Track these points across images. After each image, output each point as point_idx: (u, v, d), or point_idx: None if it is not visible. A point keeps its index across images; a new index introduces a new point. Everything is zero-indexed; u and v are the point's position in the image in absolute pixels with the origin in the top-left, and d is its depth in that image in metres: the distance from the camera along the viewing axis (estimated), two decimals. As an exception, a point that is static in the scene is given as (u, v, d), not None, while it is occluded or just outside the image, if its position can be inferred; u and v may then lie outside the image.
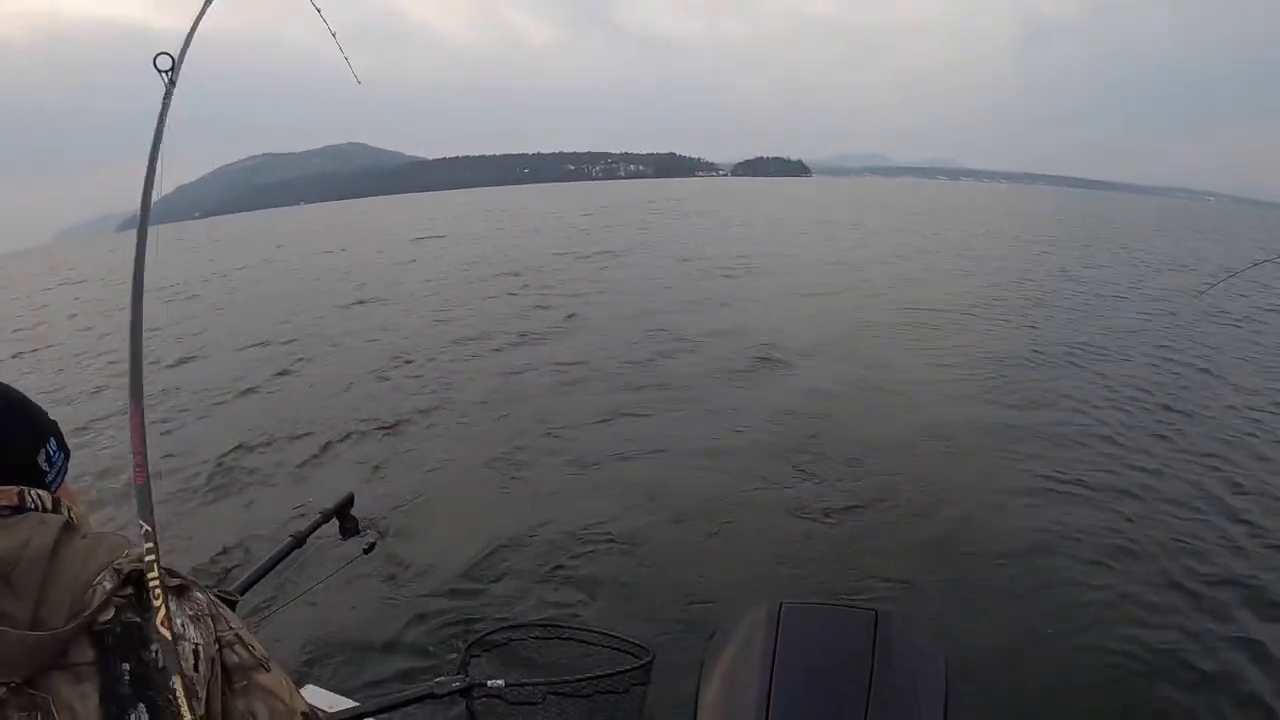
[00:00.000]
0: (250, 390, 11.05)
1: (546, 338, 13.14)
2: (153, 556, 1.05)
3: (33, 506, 1.10)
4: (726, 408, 8.88)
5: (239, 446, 8.34)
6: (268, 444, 8.45)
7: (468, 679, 1.99)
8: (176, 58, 1.70)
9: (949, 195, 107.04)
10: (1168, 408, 8.63)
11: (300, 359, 12.75)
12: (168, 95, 1.74)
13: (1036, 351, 11.38)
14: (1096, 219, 54.42)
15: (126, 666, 1.02)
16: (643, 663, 2.16)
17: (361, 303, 18.11)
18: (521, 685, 1.97)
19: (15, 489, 1.09)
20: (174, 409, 10.20)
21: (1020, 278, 19.62)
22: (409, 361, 11.95)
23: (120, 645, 1.03)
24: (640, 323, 13.80)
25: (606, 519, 6.12)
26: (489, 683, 1.96)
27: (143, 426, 1.34)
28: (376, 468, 7.56)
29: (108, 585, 1.03)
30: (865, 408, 8.81)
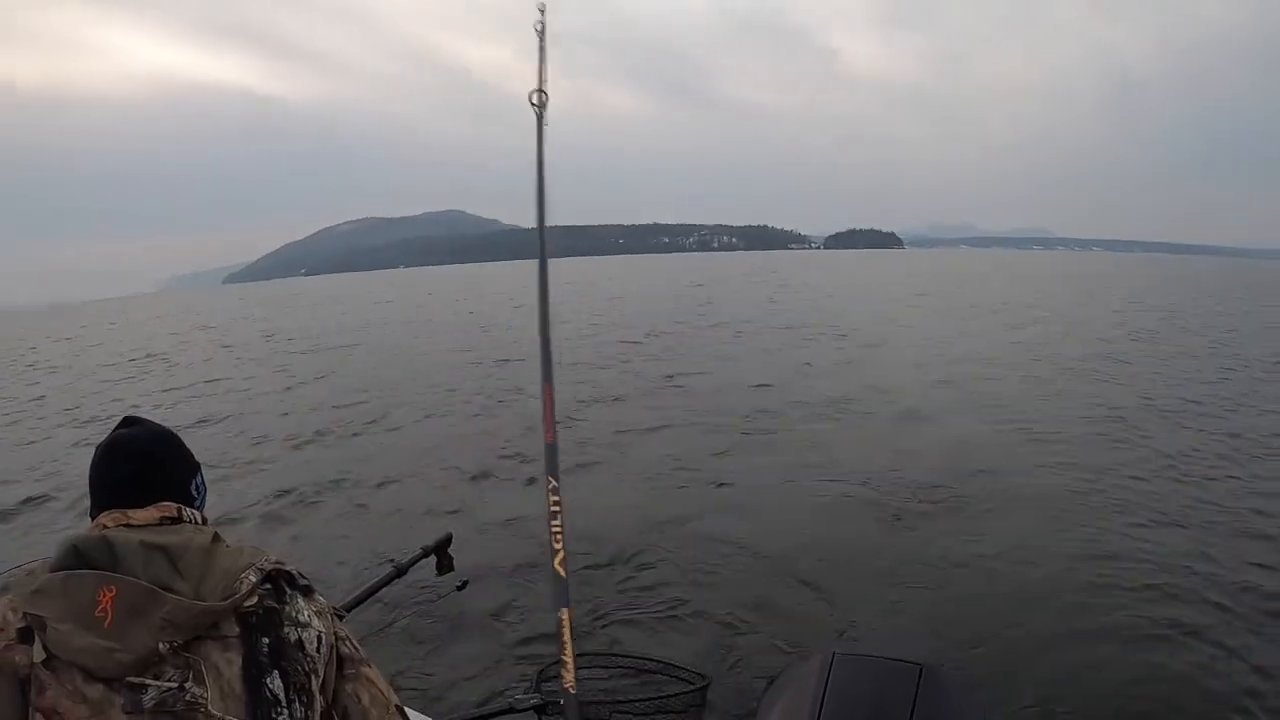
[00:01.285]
0: (393, 428, 12.19)
1: (654, 393, 14.05)
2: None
3: (188, 520, 1.40)
4: (852, 458, 9.09)
5: (354, 480, 9.15)
6: (381, 483, 9.07)
7: (542, 696, 2.20)
8: (546, 94, 2.25)
9: (1045, 265, 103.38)
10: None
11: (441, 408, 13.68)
12: (540, 124, 2.26)
13: (1158, 412, 11.22)
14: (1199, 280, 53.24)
15: (266, 641, 1.29)
16: (699, 687, 2.38)
17: (509, 361, 18.64)
18: (590, 703, 2.16)
19: (175, 505, 1.40)
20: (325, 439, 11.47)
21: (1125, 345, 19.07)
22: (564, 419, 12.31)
23: (261, 624, 1.29)
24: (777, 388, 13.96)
25: (689, 557, 6.34)
26: (561, 700, 2.10)
27: (553, 399, 1.97)
28: (477, 508, 7.94)
29: (253, 578, 1.30)
30: (980, 465, 8.71)
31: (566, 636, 2.12)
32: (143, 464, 1.42)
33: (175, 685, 1.19)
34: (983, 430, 10.37)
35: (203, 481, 1.55)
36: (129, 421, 1.52)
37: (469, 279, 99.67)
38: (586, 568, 6.09)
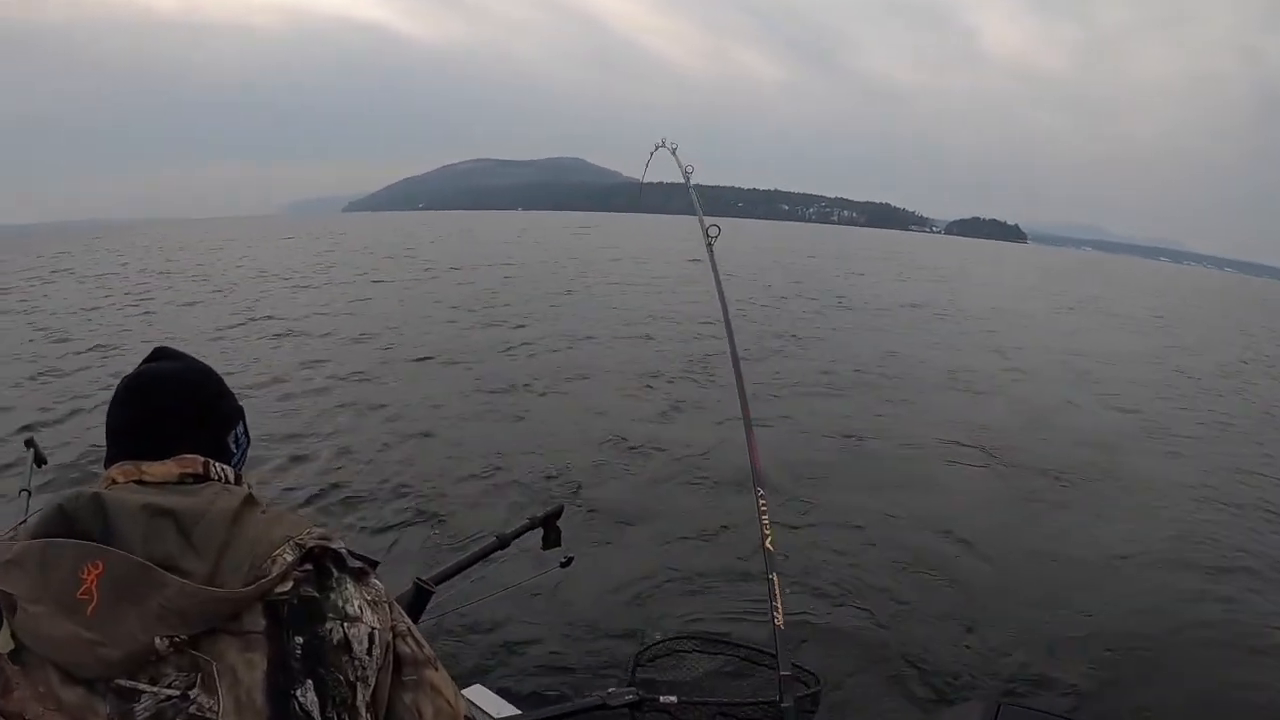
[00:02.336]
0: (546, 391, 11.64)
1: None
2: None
3: (216, 478, 1.15)
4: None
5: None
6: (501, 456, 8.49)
7: (640, 693, 1.96)
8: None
9: (1178, 279, 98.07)
10: None
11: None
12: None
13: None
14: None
15: (300, 640, 1.01)
16: (811, 691, 2.12)
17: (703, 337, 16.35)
18: (693, 703, 1.96)
19: (201, 459, 1.15)
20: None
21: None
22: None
23: (295, 618, 1.02)
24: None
25: (830, 553, 6.14)
26: (661, 698, 1.95)
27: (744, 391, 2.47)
28: (593, 483, 7.61)
29: (289, 557, 1.04)
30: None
31: (777, 594, 2.11)
32: (166, 406, 1.18)
33: (177, 693, 0.95)
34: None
35: (245, 432, 1.30)
36: (159, 354, 1.28)
37: (619, 229, 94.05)
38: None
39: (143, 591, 0.94)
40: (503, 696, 2.63)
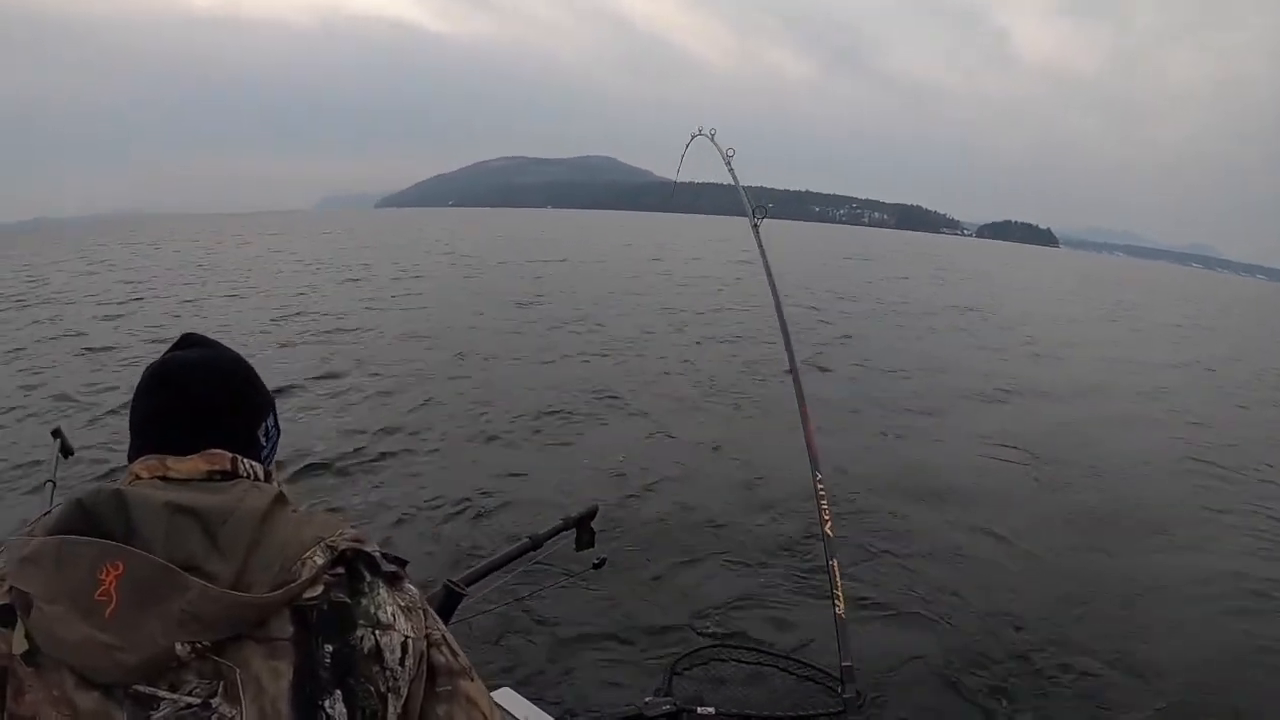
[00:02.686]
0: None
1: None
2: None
3: (245, 475, 1.10)
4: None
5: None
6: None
7: (676, 703, 1.96)
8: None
9: (1217, 286, 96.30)
10: None
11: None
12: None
13: None
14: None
15: (330, 648, 0.98)
16: (837, 711, 2.14)
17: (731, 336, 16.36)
18: (730, 716, 1.98)
19: (229, 455, 1.10)
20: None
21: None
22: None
23: (325, 625, 0.99)
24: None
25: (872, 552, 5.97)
26: (699, 709, 1.94)
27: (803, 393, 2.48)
28: (627, 481, 7.38)
29: (319, 560, 1.00)
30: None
31: (837, 581, 2.20)
32: (195, 398, 1.13)
33: (198, 701, 0.91)
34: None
35: (275, 424, 1.25)
36: (187, 341, 1.23)
37: (662, 230, 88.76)
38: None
39: (164, 594, 0.90)
40: (533, 702, 2.58)
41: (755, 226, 2.94)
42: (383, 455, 7.89)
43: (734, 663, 2.47)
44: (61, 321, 15.65)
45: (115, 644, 0.88)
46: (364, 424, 8.91)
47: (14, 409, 9.21)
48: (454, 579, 2.05)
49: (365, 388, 10.70)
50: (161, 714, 0.90)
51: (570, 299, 20.84)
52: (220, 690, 0.91)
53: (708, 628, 4.82)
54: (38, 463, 6.73)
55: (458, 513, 6.52)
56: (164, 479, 1.05)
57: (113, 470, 6.73)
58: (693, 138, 3.72)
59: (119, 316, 16.40)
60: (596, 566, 2.61)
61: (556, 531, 2.47)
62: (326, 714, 0.96)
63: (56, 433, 3.02)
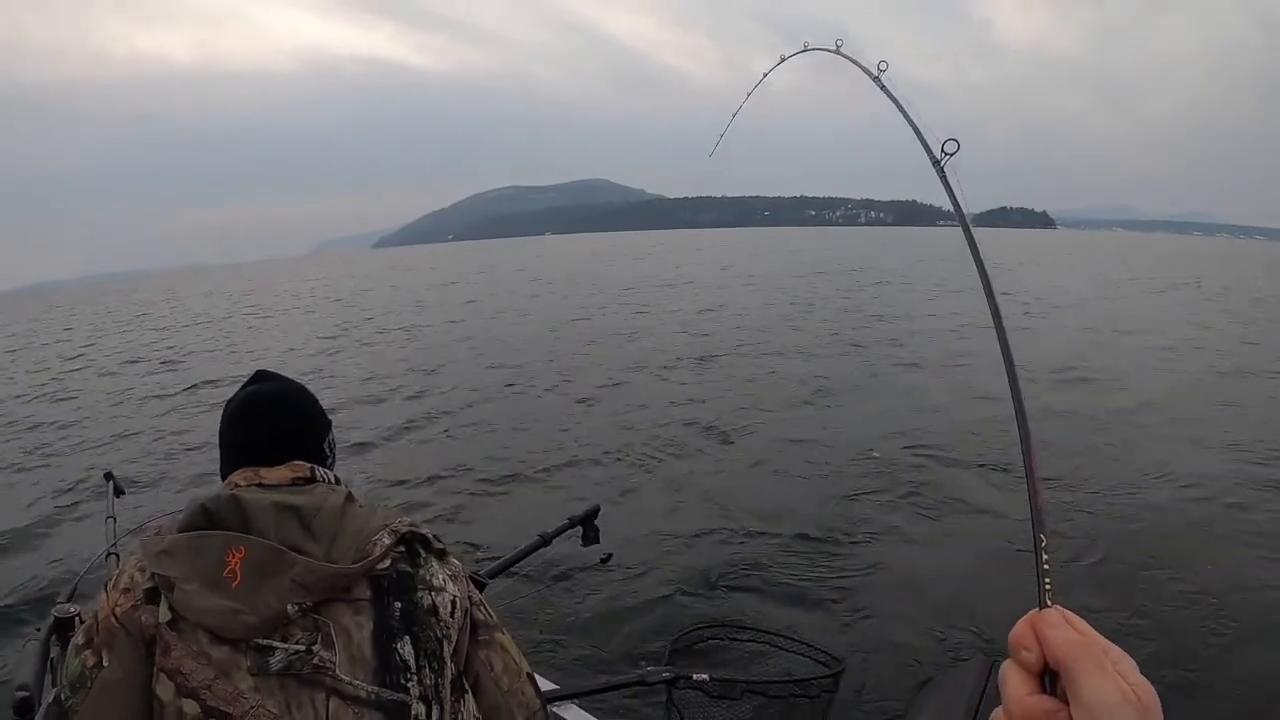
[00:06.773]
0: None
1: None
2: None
3: (321, 480, 1.38)
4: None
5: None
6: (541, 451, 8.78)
7: (675, 670, 2.09)
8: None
9: (1229, 251, 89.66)
10: None
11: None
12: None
13: None
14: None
15: (398, 605, 1.25)
16: (834, 671, 2.29)
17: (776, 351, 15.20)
18: (723, 681, 2.09)
19: (308, 465, 1.38)
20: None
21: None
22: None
23: (394, 588, 1.26)
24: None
25: (848, 544, 5.91)
26: (694, 675, 2.07)
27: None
28: (625, 486, 7.58)
29: (387, 541, 1.27)
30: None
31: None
32: (276, 422, 1.43)
33: (303, 648, 1.16)
34: None
35: (334, 440, 1.55)
36: (260, 376, 1.53)
37: (679, 248, 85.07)
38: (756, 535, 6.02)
39: (277, 569, 1.16)
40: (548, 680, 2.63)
41: (938, 166, 0.90)
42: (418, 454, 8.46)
43: (728, 640, 2.54)
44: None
45: (241, 608, 1.14)
46: (398, 432, 9.65)
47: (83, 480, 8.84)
48: (477, 572, 2.20)
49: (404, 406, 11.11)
50: (276, 659, 1.15)
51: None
52: (319, 639, 1.17)
53: (704, 613, 4.89)
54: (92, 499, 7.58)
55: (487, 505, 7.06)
56: (260, 485, 1.30)
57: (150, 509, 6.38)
58: (800, 51, 1.66)
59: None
60: (603, 561, 2.86)
61: (563, 529, 2.64)
62: (399, 654, 1.22)
63: (109, 475, 3.33)
